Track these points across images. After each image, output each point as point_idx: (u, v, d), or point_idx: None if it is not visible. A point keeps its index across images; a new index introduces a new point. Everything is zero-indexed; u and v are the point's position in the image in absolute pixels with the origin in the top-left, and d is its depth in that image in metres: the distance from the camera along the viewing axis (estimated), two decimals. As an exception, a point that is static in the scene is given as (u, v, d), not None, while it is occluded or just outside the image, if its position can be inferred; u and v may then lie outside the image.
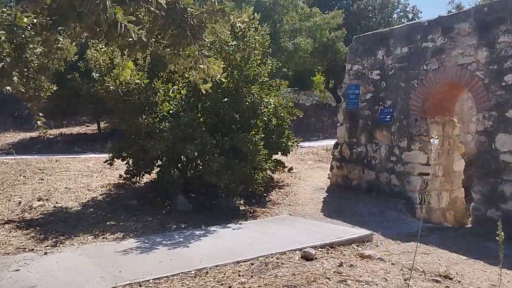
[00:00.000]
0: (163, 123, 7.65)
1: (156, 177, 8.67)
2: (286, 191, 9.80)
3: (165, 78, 8.50)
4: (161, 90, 7.95)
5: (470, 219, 7.61)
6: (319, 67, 22.94)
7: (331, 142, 12.85)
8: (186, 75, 4.72)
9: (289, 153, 9.73)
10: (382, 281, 4.60)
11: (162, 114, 7.90)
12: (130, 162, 8.44)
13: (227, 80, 7.12)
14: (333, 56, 21.65)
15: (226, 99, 8.19)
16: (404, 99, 8.90)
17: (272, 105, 8.80)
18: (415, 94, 8.64)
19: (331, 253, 5.65)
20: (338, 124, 10.74)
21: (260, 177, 8.51)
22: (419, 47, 8.61)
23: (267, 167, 8.75)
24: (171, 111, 7.96)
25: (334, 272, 4.79)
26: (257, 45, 8.57)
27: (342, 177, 10.32)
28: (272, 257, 5.29)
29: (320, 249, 5.70)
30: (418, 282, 4.68)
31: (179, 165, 8.67)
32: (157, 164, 8.55)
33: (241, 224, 7.30)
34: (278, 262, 5.11)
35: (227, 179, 7.82)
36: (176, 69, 4.20)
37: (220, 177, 7.67)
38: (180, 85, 8.35)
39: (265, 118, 8.56)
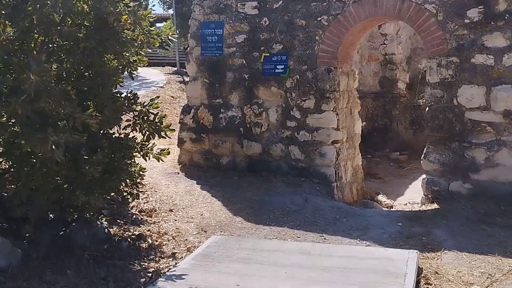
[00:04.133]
0: None
1: None
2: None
3: None
4: None
5: (422, 196, 6.00)
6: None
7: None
8: None
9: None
10: None
11: None
12: None
13: None
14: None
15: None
16: (305, 42, 6.48)
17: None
18: (326, 35, 6.33)
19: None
20: (188, 79, 7.51)
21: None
22: (325, -31, 6.26)
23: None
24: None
25: None
26: None
27: (202, 153, 7.31)
28: None
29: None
30: None
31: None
32: None
33: None
34: None
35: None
36: None
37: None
38: None
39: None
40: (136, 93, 4.85)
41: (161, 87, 17.36)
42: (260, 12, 6.76)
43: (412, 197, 7.61)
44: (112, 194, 4.64)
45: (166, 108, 14.31)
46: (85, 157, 3.95)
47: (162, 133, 4.37)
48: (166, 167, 7.31)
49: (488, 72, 5.45)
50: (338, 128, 6.47)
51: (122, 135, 4.62)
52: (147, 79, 18.88)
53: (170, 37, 4.49)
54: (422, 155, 5.94)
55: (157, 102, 4.43)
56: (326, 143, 6.42)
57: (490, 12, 5.38)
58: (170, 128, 4.37)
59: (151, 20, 4.28)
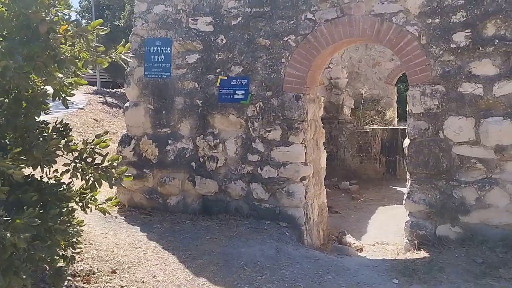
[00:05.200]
0: None
1: None
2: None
3: None
4: None
5: (405, 240, 5.32)
6: None
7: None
8: None
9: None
10: None
11: None
12: None
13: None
14: None
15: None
16: (269, 65, 5.65)
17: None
18: (293, 58, 5.54)
19: None
20: (127, 104, 6.35)
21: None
22: (293, -17, 5.52)
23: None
24: None
25: None
26: None
27: (145, 192, 6.17)
28: None
29: None
30: None
31: None
32: None
33: None
34: None
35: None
36: None
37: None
38: None
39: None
40: (68, 124, 3.73)
41: (81, 108, 15.76)
42: (216, 29, 5.85)
43: (377, 235, 7.00)
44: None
45: (89, 133, 12.85)
46: (5, 218, 2.76)
47: (115, 181, 3.26)
48: (110, 209, 6.04)
49: (477, 103, 4.94)
50: (306, 163, 5.68)
51: (53, 179, 3.46)
52: (65, 100, 17.07)
53: (123, 56, 3.43)
54: (405, 195, 5.29)
55: (106, 140, 3.33)
56: (295, 180, 5.59)
57: (478, 37, 4.90)
58: (127, 174, 3.26)
59: (101, 33, 3.21)
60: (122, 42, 3.57)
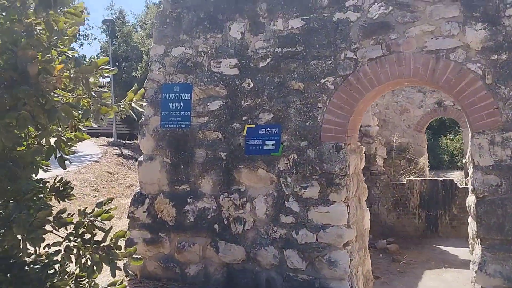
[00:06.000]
0: None
1: None
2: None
3: None
4: None
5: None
6: None
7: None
8: None
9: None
10: None
11: None
12: None
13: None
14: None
15: None
16: (304, 111, 4.90)
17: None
18: (332, 102, 4.79)
19: None
20: (141, 158, 5.61)
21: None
22: (329, 18, 4.84)
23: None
24: None
25: None
26: None
27: (161, 260, 5.31)
28: None
29: None
30: None
31: None
32: None
33: None
34: None
35: None
36: None
37: None
38: None
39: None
40: (69, 182, 2.98)
41: (96, 161, 15.14)
42: (242, 72, 5.16)
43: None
44: None
45: (103, 187, 12.15)
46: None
47: (119, 264, 2.43)
48: (106, 279, 5.19)
49: (561, 153, 4.07)
50: (350, 225, 4.79)
51: (42, 259, 2.65)
52: (79, 151, 16.56)
53: (134, 105, 2.69)
54: (477, 265, 4.32)
55: (110, 209, 2.52)
56: (337, 246, 4.69)
57: (557, 74, 4.10)
58: (136, 257, 2.42)
59: (106, 74, 2.50)
60: (133, 88, 2.85)
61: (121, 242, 2.53)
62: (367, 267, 5.51)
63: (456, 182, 9.60)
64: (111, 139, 20.60)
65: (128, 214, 5.48)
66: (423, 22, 4.49)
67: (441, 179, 10.06)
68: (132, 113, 2.76)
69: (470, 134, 4.61)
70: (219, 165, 5.16)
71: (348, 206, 4.79)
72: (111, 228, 2.43)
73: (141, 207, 5.42)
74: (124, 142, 20.29)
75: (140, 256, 2.44)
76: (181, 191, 5.30)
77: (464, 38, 4.36)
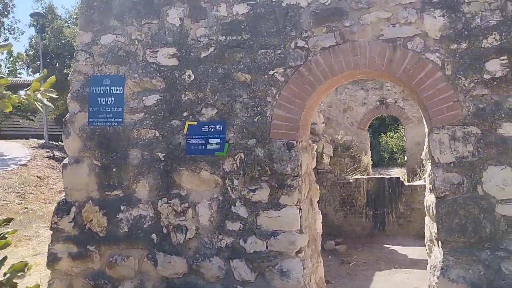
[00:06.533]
0: None
1: None
2: None
3: None
4: None
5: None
6: None
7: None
8: None
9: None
10: None
11: None
12: None
13: None
14: None
15: None
16: (251, 105, 4.42)
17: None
18: (282, 96, 4.34)
19: None
20: (65, 161, 4.90)
21: None
22: (277, 3, 4.40)
23: None
24: None
25: None
26: None
27: (89, 276, 4.65)
28: None
29: None
30: None
31: None
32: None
33: None
34: None
35: None
36: None
37: None
38: None
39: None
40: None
41: (24, 164, 13.95)
42: (181, 62, 4.61)
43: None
44: None
45: (31, 193, 11.12)
46: None
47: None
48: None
49: (523, 148, 3.85)
50: (302, 230, 4.38)
51: None
52: (4, 155, 15.25)
53: (40, 96, 2.10)
54: (439, 271, 4.02)
55: (7, 234, 1.91)
56: (289, 254, 4.25)
57: (518, 65, 3.88)
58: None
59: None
60: (41, 74, 2.27)
61: (28, 278, 1.93)
62: (319, 275, 5.12)
63: (401, 180, 9.50)
64: (42, 141, 19.23)
65: (51, 225, 4.77)
66: (378, 8, 4.14)
67: (387, 176, 9.96)
68: (38, 106, 2.16)
69: (427, 129, 4.34)
70: (156, 167, 4.58)
71: (300, 209, 4.37)
72: (5, 257, 1.82)
73: (66, 217, 4.73)
74: (56, 143, 18.98)
75: None
76: (113, 197, 4.66)
77: (422, 25, 4.06)
